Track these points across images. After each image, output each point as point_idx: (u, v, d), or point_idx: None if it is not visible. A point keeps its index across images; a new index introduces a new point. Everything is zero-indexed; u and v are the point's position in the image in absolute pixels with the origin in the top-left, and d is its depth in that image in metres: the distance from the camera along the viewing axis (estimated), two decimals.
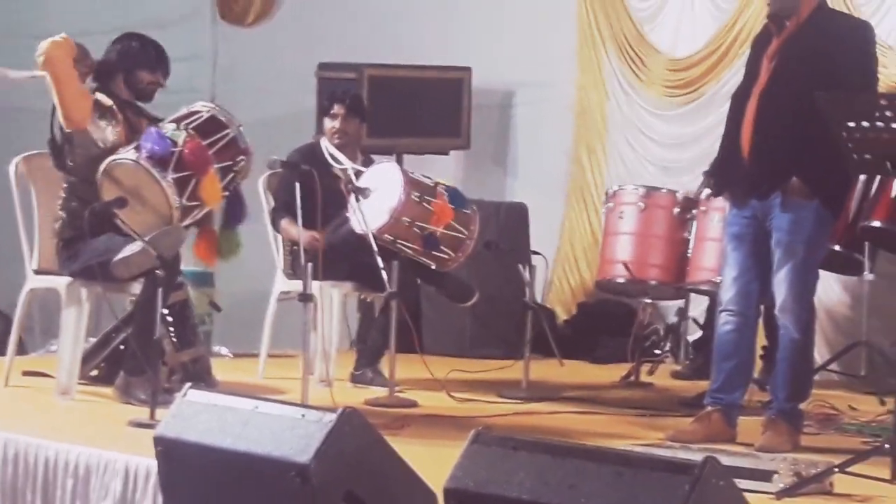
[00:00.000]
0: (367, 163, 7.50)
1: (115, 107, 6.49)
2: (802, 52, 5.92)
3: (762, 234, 6.02)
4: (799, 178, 5.93)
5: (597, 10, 9.69)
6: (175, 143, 6.21)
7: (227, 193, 6.43)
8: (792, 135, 5.92)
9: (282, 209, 7.34)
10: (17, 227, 6.81)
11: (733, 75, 8.28)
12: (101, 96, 6.51)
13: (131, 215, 6.19)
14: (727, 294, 6.09)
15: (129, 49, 6.61)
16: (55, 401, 6.49)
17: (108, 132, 6.45)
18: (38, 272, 6.83)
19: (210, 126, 6.37)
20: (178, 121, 6.36)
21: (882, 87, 6.83)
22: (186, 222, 6.27)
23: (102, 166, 6.26)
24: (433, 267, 7.13)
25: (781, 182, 5.96)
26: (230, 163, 6.39)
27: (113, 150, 6.36)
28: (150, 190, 6.18)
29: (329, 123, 7.57)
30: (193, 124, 6.33)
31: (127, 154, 6.25)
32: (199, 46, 10.87)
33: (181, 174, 6.18)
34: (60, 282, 6.65)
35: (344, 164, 7.39)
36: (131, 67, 6.58)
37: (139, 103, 6.63)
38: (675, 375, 8.26)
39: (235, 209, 6.51)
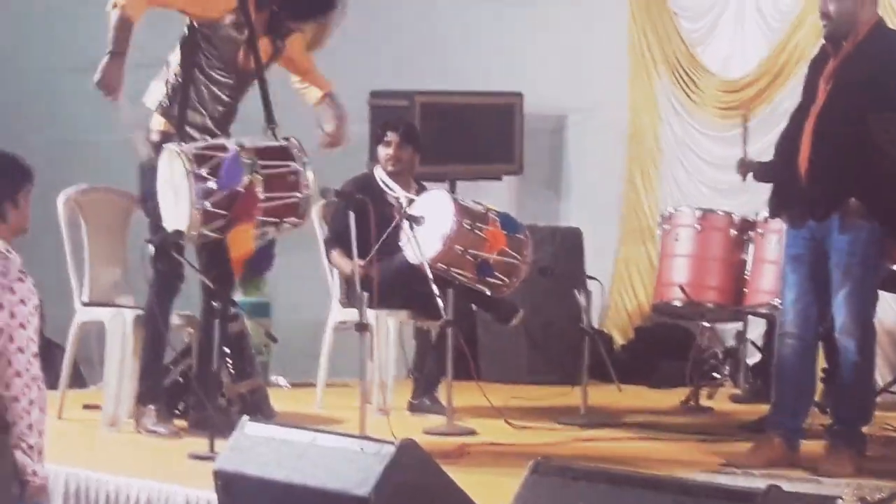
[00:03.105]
0: (421, 191, 7.51)
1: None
2: (859, 73, 5.87)
3: (821, 255, 5.98)
4: (857, 198, 5.89)
5: (647, 31, 9.66)
6: (240, 183, 6.09)
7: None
8: (849, 156, 5.88)
9: (333, 240, 7.33)
10: (65, 260, 6.84)
11: (786, 96, 8.22)
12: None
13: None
14: (787, 317, 6.05)
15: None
16: (114, 434, 6.50)
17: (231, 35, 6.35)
18: (87, 304, 6.87)
19: (282, 182, 6.18)
20: (264, 155, 6.19)
21: None
22: (203, 230, 6.13)
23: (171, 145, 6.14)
24: (488, 293, 7.10)
25: (839, 203, 5.92)
26: (276, 220, 6.28)
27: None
28: (182, 189, 6.08)
29: (383, 151, 7.59)
30: (272, 171, 6.16)
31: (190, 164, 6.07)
32: None
33: (219, 210, 6.09)
34: (105, 313, 6.69)
35: (397, 192, 7.40)
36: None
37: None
38: (735, 399, 8.19)
39: (260, 258, 6.37)
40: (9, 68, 10.91)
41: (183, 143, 6.15)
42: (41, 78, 10.79)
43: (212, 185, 5.99)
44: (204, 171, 6.02)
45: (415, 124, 8.32)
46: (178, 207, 6.04)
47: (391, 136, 7.58)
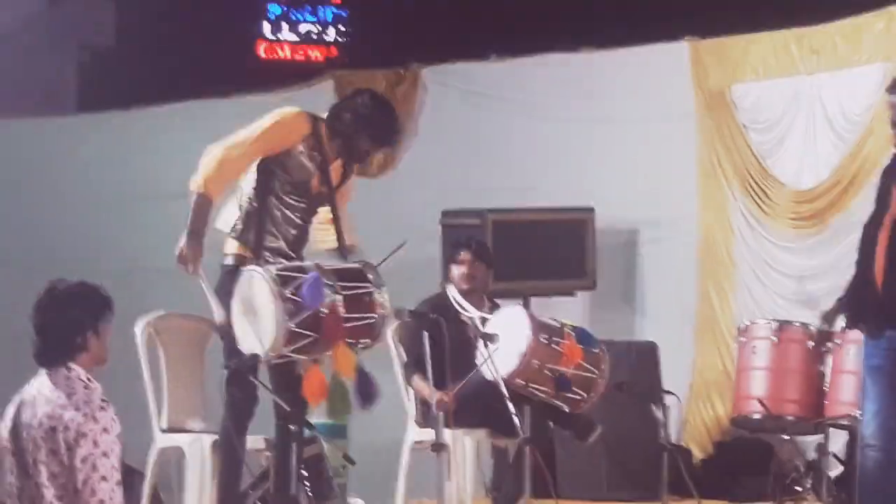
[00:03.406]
0: (494, 308, 7.50)
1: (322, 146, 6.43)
2: None
3: None
4: None
5: (717, 144, 9.69)
6: (323, 303, 6.10)
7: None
8: None
9: (413, 365, 7.33)
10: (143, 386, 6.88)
11: (860, 205, 8.19)
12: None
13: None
14: (868, 429, 5.99)
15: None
16: None
17: (304, 162, 6.41)
18: (166, 431, 6.90)
19: (359, 303, 6.16)
20: (341, 275, 6.19)
21: None
22: (286, 350, 6.12)
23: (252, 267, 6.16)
24: (566, 409, 7.07)
25: None
26: (353, 341, 6.27)
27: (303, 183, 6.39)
28: (266, 310, 6.13)
29: (456, 270, 7.61)
30: (351, 292, 6.15)
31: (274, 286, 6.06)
32: None
33: (303, 331, 6.09)
34: (184, 439, 6.71)
35: (470, 311, 7.40)
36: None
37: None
38: None
39: (364, 389, 6.34)
40: (84, 196, 11.10)
41: (263, 266, 6.20)
42: (116, 205, 10.97)
43: (297, 305, 6.02)
44: (288, 292, 6.05)
45: (486, 242, 8.36)
46: (259, 329, 6.06)
47: (464, 254, 7.61)
